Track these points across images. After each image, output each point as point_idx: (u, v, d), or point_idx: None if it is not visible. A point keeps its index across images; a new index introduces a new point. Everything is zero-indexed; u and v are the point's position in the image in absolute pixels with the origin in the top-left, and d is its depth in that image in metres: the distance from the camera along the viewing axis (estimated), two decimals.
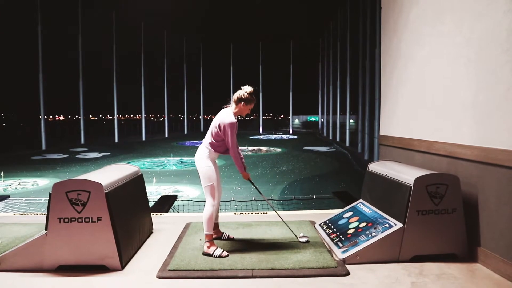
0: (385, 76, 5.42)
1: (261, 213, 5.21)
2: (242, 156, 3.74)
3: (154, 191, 10.98)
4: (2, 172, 13.08)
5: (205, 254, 3.49)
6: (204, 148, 3.69)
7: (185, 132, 40.57)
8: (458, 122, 3.58)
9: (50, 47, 24.02)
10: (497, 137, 3.07)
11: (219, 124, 3.59)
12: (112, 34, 29.22)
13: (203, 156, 3.67)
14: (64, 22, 26.63)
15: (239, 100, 3.69)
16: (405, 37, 4.73)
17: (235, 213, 5.22)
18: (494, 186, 3.15)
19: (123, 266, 3.27)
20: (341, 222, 4.07)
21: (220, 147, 3.68)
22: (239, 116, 3.82)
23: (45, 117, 24.38)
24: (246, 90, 3.70)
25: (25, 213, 5.43)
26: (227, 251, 3.53)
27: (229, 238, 3.96)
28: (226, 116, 3.60)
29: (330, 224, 4.17)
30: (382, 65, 5.54)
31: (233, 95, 3.75)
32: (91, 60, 27.72)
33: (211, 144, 3.67)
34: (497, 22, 3.07)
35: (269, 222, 4.52)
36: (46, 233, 3.19)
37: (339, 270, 3.16)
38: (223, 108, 3.78)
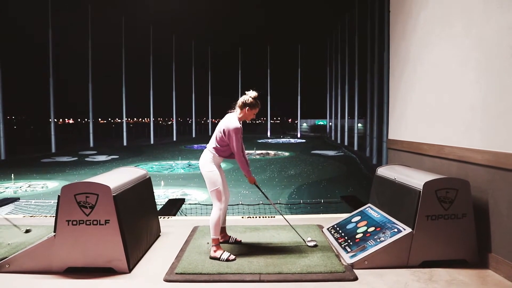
0: (394, 79, 5.38)
1: (268, 217, 5.19)
2: (248, 161, 3.74)
3: (162, 194, 11.02)
4: (12, 174, 13.24)
5: (212, 258, 3.48)
6: (208, 153, 3.69)
7: (193, 135, 40.73)
8: (467, 126, 3.54)
9: (60, 50, 24.35)
10: (507, 141, 3.03)
11: (223, 129, 3.59)
12: (122, 38, 29.50)
13: (207, 161, 3.67)
14: (74, 25, 26.97)
15: (243, 105, 3.69)
16: (413, 40, 4.70)
17: (242, 217, 5.21)
18: (505, 191, 3.10)
19: (130, 269, 3.28)
20: (349, 226, 4.04)
21: (224, 151, 3.68)
22: (247, 121, 3.83)
23: (55, 120, 24.66)
24: (250, 95, 3.70)
25: (34, 215, 5.48)
26: (234, 255, 3.52)
27: (236, 241, 3.94)
28: (231, 121, 3.60)
29: (338, 229, 4.14)
30: (391, 69, 5.51)
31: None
32: (100, 64, 28.02)
33: (215, 148, 3.67)
34: (506, 25, 3.03)
35: (277, 226, 4.50)
36: (54, 235, 3.21)
37: (347, 275, 3.13)
38: (228, 113, 3.78)
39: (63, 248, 3.20)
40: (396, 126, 5.27)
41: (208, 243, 3.88)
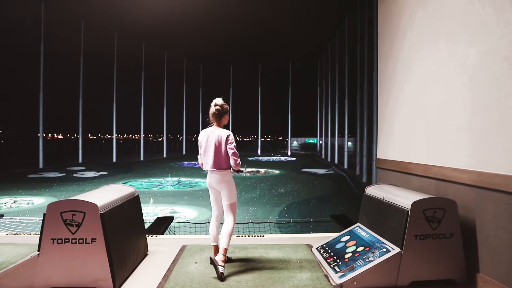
0: (382, 99, 5.47)
1: (257, 236, 5.15)
2: None
3: (150, 212, 10.87)
4: None
5: (218, 263, 3.49)
6: (227, 170, 3.85)
7: (184, 152, 40.54)
8: (454, 146, 3.59)
9: (50, 65, 24.26)
10: (493, 162, 3.08)
11: (224, 140, 3.84)
12: (114, 54, 29.58)
13: (228, 174, 3.85)
14: (65, 41, 26.98)
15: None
16: (400, 62, 4.81)
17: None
18: (491, 210, 3.13)
19: None
20: (338, 246, 4.03)
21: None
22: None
23: (44, 135, 24.39)
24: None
25: (18, 232, 5.35)
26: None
27: (228, 259, 3.91)
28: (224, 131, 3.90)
29: (327, 248, 4.12)
30: (379, 89, 5.60)
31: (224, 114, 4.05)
32: (91, 80, 27.96)
33: (229, 163, 3.87)
34: (491, 48, 3.13)
35: (266, 246, 4.47)
36: (38, 254, 3.14)
37: None
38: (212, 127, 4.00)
39: (47, 268, 3.13)
40: (384, 146, 5.32)
41: (196, 262, 3.83)
